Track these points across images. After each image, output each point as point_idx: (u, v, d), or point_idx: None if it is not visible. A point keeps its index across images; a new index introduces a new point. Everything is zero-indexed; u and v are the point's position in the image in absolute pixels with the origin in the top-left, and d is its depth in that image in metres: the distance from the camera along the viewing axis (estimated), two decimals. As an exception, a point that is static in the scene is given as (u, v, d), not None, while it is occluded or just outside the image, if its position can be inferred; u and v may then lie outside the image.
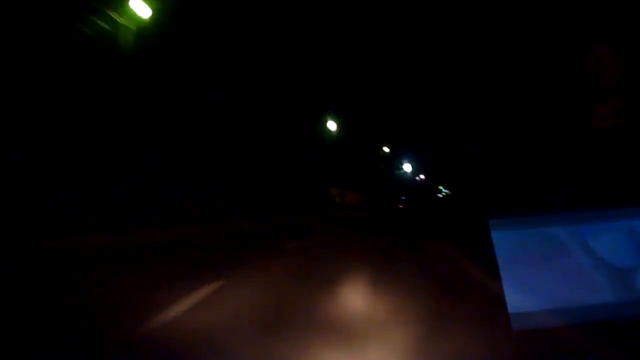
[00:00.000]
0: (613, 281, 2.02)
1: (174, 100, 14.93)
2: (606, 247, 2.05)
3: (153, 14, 11.94)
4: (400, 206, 48.22)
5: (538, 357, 2.62)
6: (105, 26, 11.67)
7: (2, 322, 2.91)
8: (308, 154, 26.74)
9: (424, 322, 3.26)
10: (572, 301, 2.04)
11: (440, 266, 6.78)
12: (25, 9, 10.44)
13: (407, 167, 54.59)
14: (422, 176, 64.24)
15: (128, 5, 11.62)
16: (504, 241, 2.09)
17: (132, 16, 11.69)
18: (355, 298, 4.43)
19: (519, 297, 2.15)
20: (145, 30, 12.18)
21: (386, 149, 47.08)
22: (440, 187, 71.39)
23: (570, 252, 2.06)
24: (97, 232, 8.10)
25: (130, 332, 2.82)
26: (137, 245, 7.33)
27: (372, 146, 43.83)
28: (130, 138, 12.43)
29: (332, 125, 30.91)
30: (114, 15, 11.68)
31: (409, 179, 58.10)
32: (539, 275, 2.07)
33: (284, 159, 23.01)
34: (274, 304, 3.74)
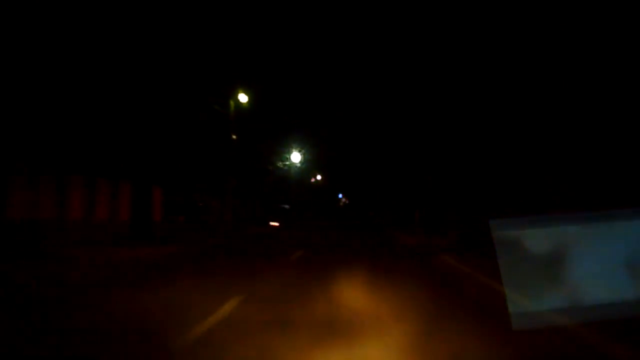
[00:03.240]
0: (613, 281, 2.03)
1: None
2: (606, 247, 2.07)
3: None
4: (275, 224, 25.81)
5: (538, 357, 2.62)
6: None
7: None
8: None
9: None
10: (572, 301, 2.05)
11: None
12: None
13: (296, 158, 31.54)
14: (318, 177, 42.91)
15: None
16: (504, 241, 2.10)
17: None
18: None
19: (519, 297, 2.16)
20: None
21: (244, 99, 19.19)
22: (340, 196, 50.15)
23: (570, 252, 2.08)
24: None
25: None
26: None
27: (204, 82, 16.57)
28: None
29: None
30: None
31: (298, 177, 34.63)
32: (539, 275, 2.08)
33: None
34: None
